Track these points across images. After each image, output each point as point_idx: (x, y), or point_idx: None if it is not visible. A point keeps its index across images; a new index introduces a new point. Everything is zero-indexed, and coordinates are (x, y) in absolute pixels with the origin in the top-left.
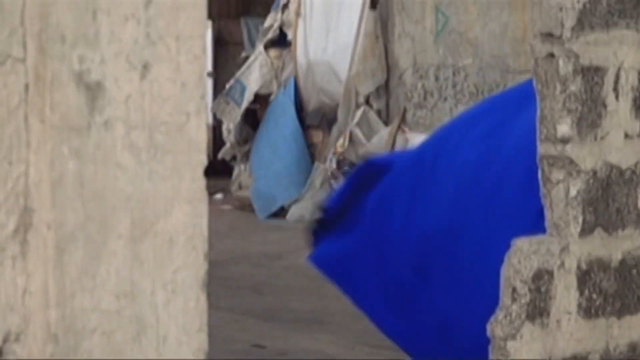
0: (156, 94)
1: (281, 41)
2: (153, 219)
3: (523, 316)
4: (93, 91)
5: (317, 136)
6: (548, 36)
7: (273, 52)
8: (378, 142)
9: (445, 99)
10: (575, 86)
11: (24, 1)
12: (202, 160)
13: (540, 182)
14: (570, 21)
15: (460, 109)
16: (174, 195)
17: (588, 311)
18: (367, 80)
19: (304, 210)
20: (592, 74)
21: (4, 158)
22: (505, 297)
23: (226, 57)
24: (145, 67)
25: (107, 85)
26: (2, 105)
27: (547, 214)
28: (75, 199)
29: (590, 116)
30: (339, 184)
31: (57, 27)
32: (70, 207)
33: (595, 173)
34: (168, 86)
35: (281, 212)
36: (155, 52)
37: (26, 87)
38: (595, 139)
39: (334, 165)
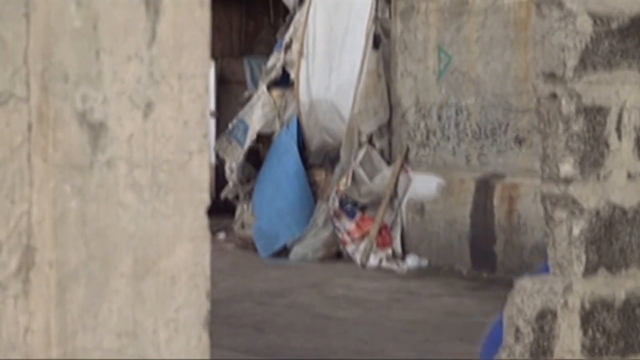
0: (159, 133)
1: (284, 80)
2: (155, 257)
3: (527, 356)
4: (96, 130)
5: (320, 175)
6: (550, 76)
7: (276, 92)
8: (381, 181)
9: (448, 138)
10: (577, 126)
11: (27, 40)
12: (205, 199)
13: (545, 221)
14: (572, 61)
15: (463, 147)
16: (177, 233)
17: (592, 351)
18: (369, 119)
19: (306, 248)
20: (594, 114)
21: (7, 197)
22: (508, 337)
23: (229, 96)
24: (148, 106)
25: (109, 124)
26: (5, 144)
27: (550, 252)
28: (78, 238)
29: (592, 155)
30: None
31: (60, 66)
32: (73, 245)
33: (598, 212)
34: (171, 125)
35: (284, 251)
36: (158, 91)
37: (29, 126)
38: (598, 178)
39: (336, 204)
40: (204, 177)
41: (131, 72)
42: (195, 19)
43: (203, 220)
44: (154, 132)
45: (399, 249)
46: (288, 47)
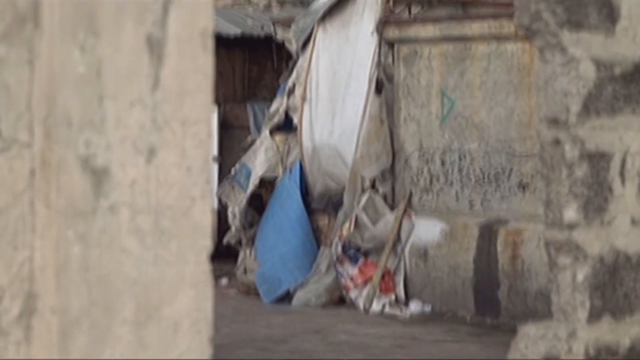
0: (162, 179)
1: (287, 125)
2: (158, 303)
3: None
4: (99, 176)
5: (323, 220)
6: (554, 121)
7: (279, 136)
8: (384, 226)
9: (451, 183)
10: (581, 171)
11: (31, 86)
12: (207, 245)
13: (549, 267)
14: (575, 106)
15: (466, 192)
16: (179, 279)
17: None
18: (371, 164)
19: (309, 294)
20: (598, 159)
21: (9, 243)
22: None
23: (232, 141)
24: (151, 151)
25: (112, 170)
26: (7, 190)
27: (554, 298)
28: (80, 284)
29: (596, 201)
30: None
31: (63, 112)
32: (75, 291)
33: (602, 258)
34: (174, 171)
35: (286, 297)
36: (161, 137)
37: (32, 171)
38: (602, 223)
39: (339, 250)
40: (207, 223)
41: (134, 117)
42: (199, 65)
43: (205, 266)
44: (157, 177)
45: (402, 295)
46: (291, 91)
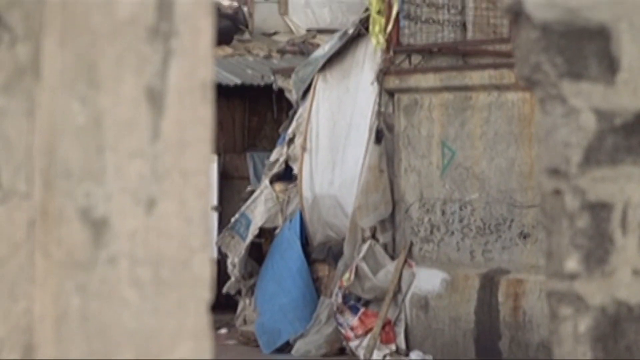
0: (161, 230)
1: (287, 175)
2: (157, 354)
3: None
4: (98, 226)
5: (323, 270)
6: (554, 172)
7: (278, 186)
8: (384, 276)
9: (452, 233)
10: (582, 222)
11: (30, 137)
12: (207, 296)
13: (548, 318)
14: (576, 157)
15: (467, 243)
16: (178, 331)
17: None
18: (368, 213)
19: (309, 345)
20: (599, 210)
21: (8, 294)
22: None
23: (232, 191)
24: (151, 202)
25: (112, 221)
26: (7, 241)
27: (555, 350)
28: (79, 335)
29: (597, 252)
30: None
31: (63, 162)
32: (74, 343)
33: (603, 309)
34: (173, 222)
35: (286, 347)
36: (161, 188)
37: (31, 222)
38: (603, 275)
39: (339, 300)
40: (206, 275)
41: (134, 168)
42: (199, 116)
43: (205, 318)
44: (156, 228)
45: (402, 345)
46: (291, 141)
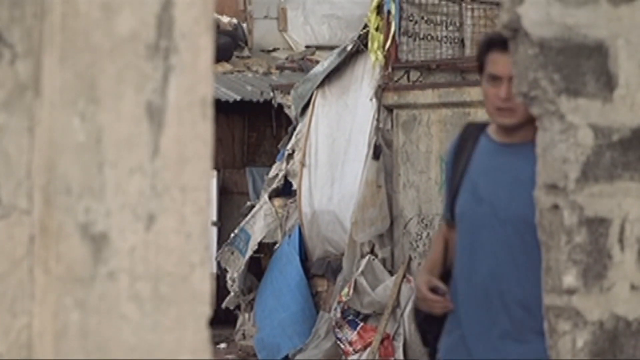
0: (161, 245)
1: (286, 190)
2: None
3: None
4: (98, 242)
5: (322, 285)
6: (552, 187)
7: (278, 202)
8: (383, 291)
9: None
10: (580, 237)
11: (30, 154)
12: (206, 311)
13: (547, 334)
14: (574, 173)
15: None
16: (178, 346)
17: None
18: (364, 229)
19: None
20: (596, 226)
21: (8, 310)
22: None
23: (231, 206)
24: (151, 218)
25: (112, 237)
26: (7, 257)
27: None
28: (79, 351)
29: (595, 267)
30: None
31: (63, 179)
32: (74, 358)
33: (602, 324)
34: (173, 237)
35: None
36: (161, 204)
37: (31, 238)
38: (601, 290)
39: (338, 315)
40: (206, 290)
41: (134, 184)
42: (198, 133)
43: (204, 333)
44: (156, 244)
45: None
46: (290, 157)
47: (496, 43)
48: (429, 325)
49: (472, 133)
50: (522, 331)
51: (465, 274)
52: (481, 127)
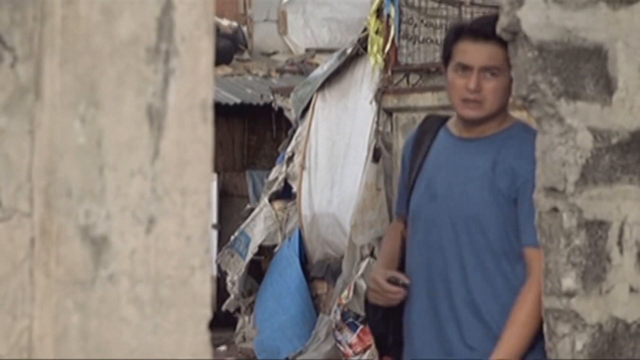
0: (161, 248)
1: (286, 193)
2: None
3: None
4: (98, 245)
5: (322, 288)
6: (551, 190)
7: (278, 204)
8: None
9: None
10: (579, 240)
11: (31, 157)
12: (207, 314)
13: (546, 336)
14: (573, 176)
15: None
16: (178, 349)
17: None
18: (364, 231)
19: None
20: (596, 228)
21: (8, 312)
22: None
23: (231, 209)
24: (151, 221)
25: (112, 240)
26: (7, 260)
27: None
28: (79, 353)
29: (594, 270)
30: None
31: (64, 182)
32: None
33: (601, 327)
34: (173, 240)
35: None
36: (161, 207)
37: (32, 241)
38: (601, 292)
39: (338, 317)
40: (206, 293)
41: (134, 187)
42: (198, 136)
43: (204, 336)
44: (156, 247)
45: None
46: (290, 160)
47: (467, 32)
48: (386, 327)
49: (431, 126)
50: (471, 335)
51: (415, 275)
52: (442, 121)
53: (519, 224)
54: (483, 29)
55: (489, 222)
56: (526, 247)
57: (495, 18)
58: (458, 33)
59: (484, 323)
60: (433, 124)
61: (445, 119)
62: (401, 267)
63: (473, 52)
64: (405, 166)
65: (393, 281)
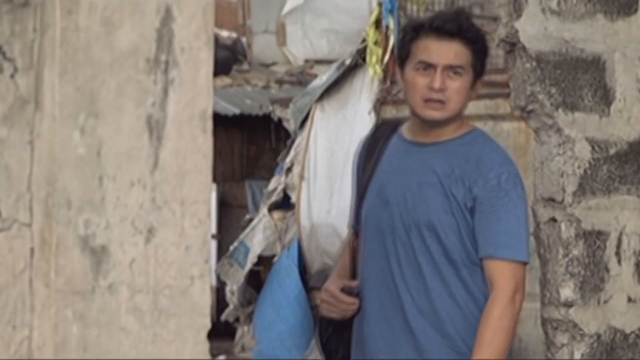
0: (161, 258)
1: (285, 204)
2: None
3: None
4: (98, 255)
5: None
6: (550, 201)
7: (277, 215)
8: None
9: None
10: (577, 250)
11: (31, 167)
12: (206, 324)
13: (544, 346)
14: (571, 186)
15: None
16: (178, 358)
17: None
18: None
19: None
20: (594, 238)
21: (8, 322)
22: None
23: (230, 219)
24: (150, 231)
25: (112, 250)
26: (7, 270)
27: None
28: None
29: (593, 280)
30: None
31: (63, 192)
32: None
33: (599, 337)
34: (172, 250)
35: None
36: (161, 217)
37: (32, 251)
38: (599, 302)
39: None
40: (205, 302)
41: (134, 197)
42: (198, 146)
43: (204, 346)
44: (155, 257)
45: None
46: (289, 170)
47: (429, 29)
48: (337, 344)
49: (384, 132)
50: (429, 348)
51: (369, 286)
52: (394, 126)
53: (477, 234)
54: (447, 26)
55: (443, 229)
56: (486, 259)
57: (456, 15)
58: (417, 30)
59: (446, 336)
60: (385, 130)
61: (398, 123)
62: (353, 279)
63: (437, 50)
64: (357, 174)
65: (347, 291)
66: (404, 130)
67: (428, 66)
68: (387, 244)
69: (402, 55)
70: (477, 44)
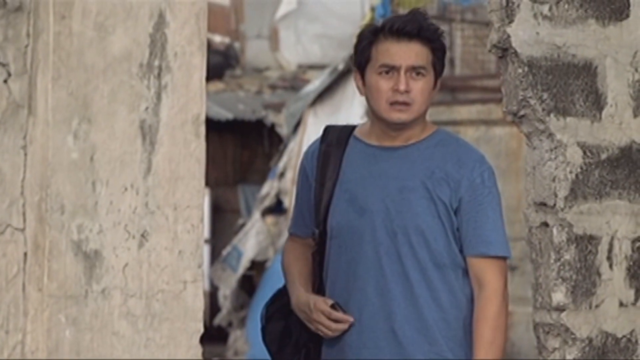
0: (154, 263)
1: (278, 208)
2: None
3: None
4: (91, 260)
5: None
6: (542, 205)
7: (270, 219)
8: None
9: None
10: (569, 255)
11: (24, 171)
12: (199, 328)
13: (536, 350)
14: (563, 191)
15: None
16: None
17: None
18: None
19: None
20: (586, 243)
21: (1, 327)
22: None
23: (223, 224)
24: (143, 236)
25: (105, 254)
26: (0, 275)
27: None
28: None
29: (584, 284)
30: None
31: (56, 197)
32: None
33: (591, 341)
34: (165, 255)
35: None
36: (153, 222)
37: (25, 256)
38: (591, 307)
39: None
40: (198, 307)
41: (127, 202)
42: (191, 151)
43: (197, 349)
44: (148, 262)
45: None
46: (282, 175)
47: (388, 31)
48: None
49: (335, 137)
50: (418, 357)
51: (344, 296)
52: (346, 131)
53: (464, 234)
54: (406, 28)
55: (432, 233)
56: (473, 256)
57: (414, 16)
58: (376, 33)
59: (434, 342)
60: (337, 135)
61: (349, 128)
62: (314, 290)
63: (398, 52)
64: (308, 182)
65: (336, 307)
66: (363, 135)
67: (391, 69)
68: (367, 253)
69: (361, 60)
70: (436, 42)
